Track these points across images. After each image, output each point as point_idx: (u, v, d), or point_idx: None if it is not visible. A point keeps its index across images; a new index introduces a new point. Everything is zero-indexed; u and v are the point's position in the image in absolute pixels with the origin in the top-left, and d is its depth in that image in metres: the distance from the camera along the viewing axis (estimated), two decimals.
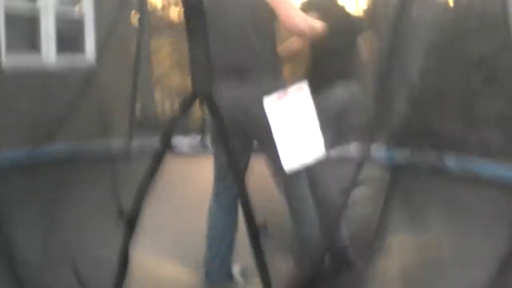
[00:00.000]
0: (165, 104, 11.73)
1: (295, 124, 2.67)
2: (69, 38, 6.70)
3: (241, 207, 2.01)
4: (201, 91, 1.68)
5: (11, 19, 5.95)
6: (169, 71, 10.89)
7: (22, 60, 6.13)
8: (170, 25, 9.90)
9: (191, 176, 5.29)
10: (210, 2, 2.09)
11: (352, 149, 5.09)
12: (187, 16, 1.60)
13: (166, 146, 1.93)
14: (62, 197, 3.98)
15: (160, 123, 8.33)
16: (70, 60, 6.53)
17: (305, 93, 2.73)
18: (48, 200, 3.79)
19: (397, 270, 3.07)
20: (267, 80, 2.79)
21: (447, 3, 7.25)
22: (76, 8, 6.99)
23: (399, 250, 3.13)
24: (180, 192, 4.67)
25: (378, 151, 2.70)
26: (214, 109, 1.75)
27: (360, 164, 2.17)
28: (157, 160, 1.95)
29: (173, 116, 1.78)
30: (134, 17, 7.66)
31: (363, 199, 2.40)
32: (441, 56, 5.91)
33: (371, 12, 7.34)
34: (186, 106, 1.71)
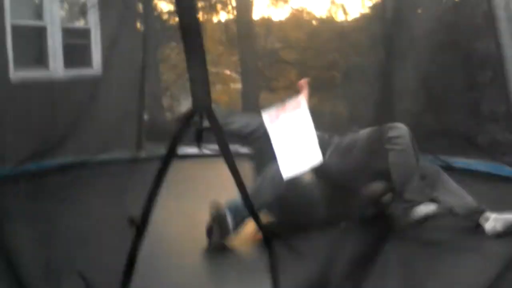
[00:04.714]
0: (174, 111, 11.65)
1: (292, 135, 2.73)
2: (76, 52, 6.76)
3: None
4: (201, 107, 1.77)
5: (18, 35, 6.01)
6: (178, 78, 10.75)
7: (30, 75, 6.19)
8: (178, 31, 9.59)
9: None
10: None
11: None
12: (184, 35, 1.67)
13: (171, 158, 2.01)
14: (68, 207, 4.03)
15: (169, 131, 8.33)
16: (77, 74, 6.59)
17: (303, 107, 2.82)
18: (53, 211, 3.84)
19: None
20: None
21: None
22: (82, 22, 7.05)
23: None
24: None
25: None
26: (214, 122, 1.83)
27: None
28: (162, 172, 2.03)
29: (176, 129, 1.86)
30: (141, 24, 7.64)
31: None
32: (446, 56, 5.90)
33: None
34: (186, 120, 1.79)
